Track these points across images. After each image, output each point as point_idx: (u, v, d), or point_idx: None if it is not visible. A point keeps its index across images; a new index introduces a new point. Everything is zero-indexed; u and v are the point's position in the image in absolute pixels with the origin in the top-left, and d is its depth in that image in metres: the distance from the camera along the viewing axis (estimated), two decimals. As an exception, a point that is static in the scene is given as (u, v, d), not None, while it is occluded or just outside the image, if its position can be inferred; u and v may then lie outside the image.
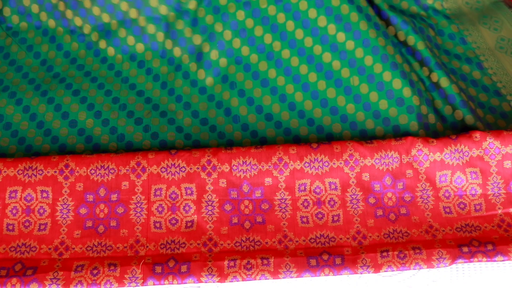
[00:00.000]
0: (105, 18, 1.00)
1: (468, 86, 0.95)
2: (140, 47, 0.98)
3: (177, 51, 0.97)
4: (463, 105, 0.88)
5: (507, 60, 0.99)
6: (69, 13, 1.01)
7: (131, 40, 1.00)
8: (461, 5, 1.09)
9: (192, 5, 0.98)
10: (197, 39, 0.97)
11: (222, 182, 0.78)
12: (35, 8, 1.01)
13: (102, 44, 1.00)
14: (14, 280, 0.70)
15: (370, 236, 0.76)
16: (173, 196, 0.78)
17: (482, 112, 0.91)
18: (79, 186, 0.78)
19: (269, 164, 0.79)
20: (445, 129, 0.89)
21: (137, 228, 0.77)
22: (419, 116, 0.87)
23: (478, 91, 0.95)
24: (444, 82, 0.91)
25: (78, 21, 1.01)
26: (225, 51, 0.96)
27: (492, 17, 1.06)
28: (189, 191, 0.78)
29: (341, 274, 0.72)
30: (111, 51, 0.99)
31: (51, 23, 1.02)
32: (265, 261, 0.72)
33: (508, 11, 1.07)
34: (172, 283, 0.71)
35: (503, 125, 0.90)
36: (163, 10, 0.99)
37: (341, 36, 0.93)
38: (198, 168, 0.78)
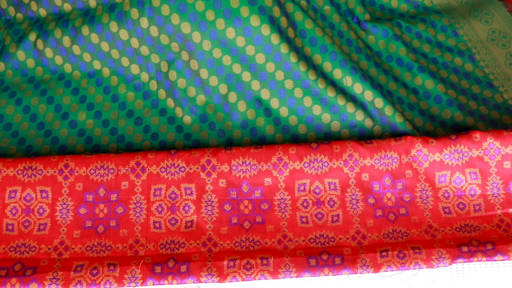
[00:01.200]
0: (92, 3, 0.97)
1: (461, 79, 0.96)
2: (134, 41, 0.97)
3: (175, 47, 0.96)
4: (450, 104, 0.91)
5: (499, 52, 1.01)
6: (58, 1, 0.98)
7: (123, 33, 0.99)
8: (451, 0, 1.10)
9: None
10: (197, 37, 0.97)
11: (222, 182, 0.78)
12: None
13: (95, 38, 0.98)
14: (13, 280, 0.70)
15: (370, 236, 0.76)
16: (173, 196, 0.78)
17: (475, 104, 0.92)
18: (79, 186, 0.78)
19: (269, 164, 0.79)
20: (435, 128, 0.90)
21: (137, 228, 0.77)
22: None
23: (470, 83, 0.96)
24: (429, 84, 0.94)
25: (67, 7, 0.98)
26: (228, 49, 0.97)
27: (482, 10, 1.07)
28: (188, 191, 0.78)
29: (341, 274, 0.72)
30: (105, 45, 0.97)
31: (42, 12, 1.00)
32: (264, 261, 0.72)
33: (498, 3, 1.08)
34: (172, 283, 0.71)
35: (497, 116, 0.91)
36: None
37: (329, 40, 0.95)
38: (197, 168, 0.78)
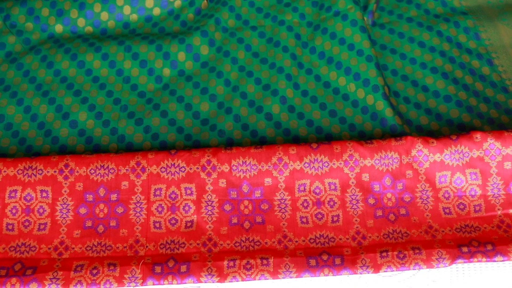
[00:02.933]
0: (110, 24, 1.04)
1: (476, 81, 0.96)
2: (144, 48, 0.99)
3: (181, 56, 0.98)
4: (459, 105, 0.92)
5: None
6: (74, 13, 1.03)
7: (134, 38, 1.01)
8: (481, 3, 1.10)
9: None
10: (205, 50, 0.99)
11: (222, 182, 0.78)
12: (45, 12, 1.02)
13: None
14: (13, 280, 0.70)
15: (370, 237, 0.76)
16: (173, 196, 0.78)
17: (486, 107, 0.93)
18: (79, 186, 0.78)
19: (269, 164, 0.79)
20: (441, 127, 0.91)
21: (137, 228, 0.77)
22: (408, 121, 0.92)
23: (485, 86, 0.96)
24: (440, 85, 0.95)
25: (81, 22, 1.03)
26: (229, 59, 0.98)
27: None
28: (188, 191, 0.78)
29: (341, 274, 0.71)
30: (113, 49, 0.99)
31: (59, 28, 1.03)
32: (264, 261, 0.72)
33: None
34: (172, 283, 0.71)
35: (506, 121, 0.91)
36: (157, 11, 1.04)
37: (336, 50, 0.98)
38: (197, 168, 0.78)
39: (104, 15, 1.03)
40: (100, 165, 0.78)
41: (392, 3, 1.08)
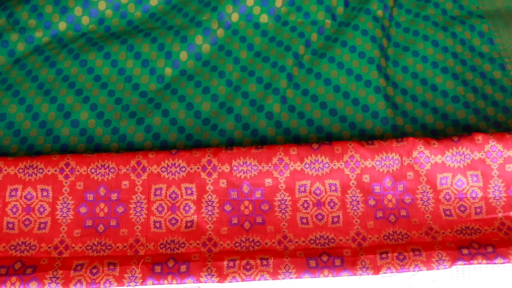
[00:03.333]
0: (114, 21, 1.04)
1: (486, 84, 0.96)
2: (146, 47, 0.99)
3: (183, 55, 0.98)
4: (466, 106, 0.92)
5: None
6: (78, 11, 1.03)
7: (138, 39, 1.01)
8: (500, 7, 1.09)
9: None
10: (206, 49, 0.99)
11: (222, 183, 0.78)
12: (48, 9, 1.02)
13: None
14: (13, 278, 0.70)
15: (370, 238, 0.76)
16: (173, 196, 0.78)
17: (493, 110, 0.92)
18: (79, 185, 0.78)
19: (270, 165, 0.79)
20: (446, 127, 0.91)
21: (137, 228, 0.77)
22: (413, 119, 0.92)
23: (494, 90, 0.96)
24: (450, 85, 0.95)
25: (85, 20, 1.03)
26: (231, 58, 0.98)
27: None
28: (189, 191, 0.78)
29: (341, 276, 0.71)
30: (116, 48, 0.99)
31: (62, 25, 1.03)
32: (264, 262, 0.72)
33: None
34: (172, 283, 0.71)
35: None
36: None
37: (338, 52, 0.99)
38: (198, 168, 0.78)
39: (109, 13, 1.03)
40: (101, 164, 0.78)
41: (411, 1, 1.08)
